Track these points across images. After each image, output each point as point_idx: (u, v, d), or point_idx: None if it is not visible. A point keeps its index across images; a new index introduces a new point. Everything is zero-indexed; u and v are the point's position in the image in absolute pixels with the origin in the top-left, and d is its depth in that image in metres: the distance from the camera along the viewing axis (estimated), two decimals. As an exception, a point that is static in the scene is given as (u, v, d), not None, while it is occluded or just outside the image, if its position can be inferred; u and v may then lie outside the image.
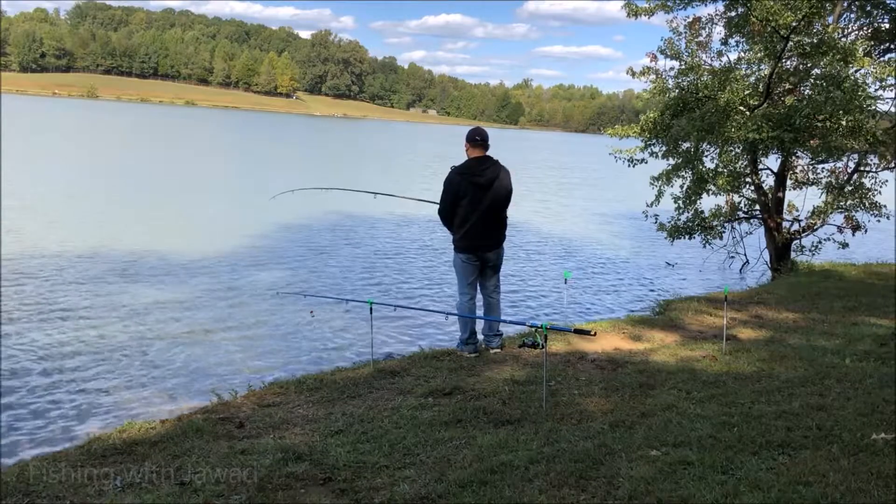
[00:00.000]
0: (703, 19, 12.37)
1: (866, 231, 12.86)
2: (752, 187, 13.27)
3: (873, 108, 11.98)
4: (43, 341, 7.76)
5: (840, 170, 13.22)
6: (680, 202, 12.80)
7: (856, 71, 11.42)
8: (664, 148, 12.61)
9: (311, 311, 9.30)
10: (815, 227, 13.08)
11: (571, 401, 4.91)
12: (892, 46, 13.02)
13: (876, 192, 12.88)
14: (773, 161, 13.38)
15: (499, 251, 6.29)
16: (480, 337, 6.35)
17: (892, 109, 12.96)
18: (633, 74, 12.93)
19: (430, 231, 16.88)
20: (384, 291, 11.25)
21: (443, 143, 70.98)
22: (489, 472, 3.62)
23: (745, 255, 14.55)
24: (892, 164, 13.00)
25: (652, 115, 12.57)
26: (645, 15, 12.72)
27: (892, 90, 12.50)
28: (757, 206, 13.42)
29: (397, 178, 31.11)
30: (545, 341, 5.06)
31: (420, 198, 8.59)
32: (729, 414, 4.53)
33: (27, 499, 3.35)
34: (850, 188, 12.83)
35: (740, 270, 14.56)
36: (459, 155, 6.48)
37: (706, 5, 14.62)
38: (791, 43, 11.11)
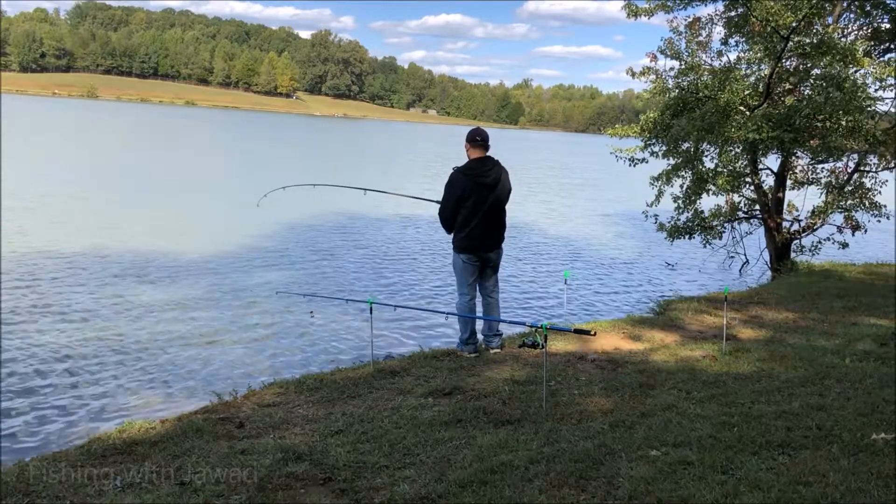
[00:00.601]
0: (703, 19, 12.39)
1: (866, 231, 12.86)
2: (752, 187, 13.28)
3: (873, 108, 11.99)
4: (43, 341, 7.77)
5: (840, 170, 13.23)
6: (680, 202, 12.81)
7: (856, 71, 11.43)
8: (664, 148, 12.62)
9: (311, 312, 9.30)
10: (815, 227, 13.08)
11: (571, 401, 4.90)
12: (892, 46, 13.03)
13: (876, 192, 12.89)
14: (773, 161, 13.39)
15: (499, 251, 6.30)
16: (480, 337, 6.35)
17: (892, 109, 12.97)
18: (633, 74, 12.94)
19: (431, 231, 16.88)
20: (384, 291, 11.25)
21: (444, 143, 71.00)
22: (489, 472, 3.62)
23: (745, 255, 14.55)
24: (892, 164, 13.01)
25: (652, 115, 12.58)
26: (645, 15, 12.72)
27: (892, 90, 12.52)
28: (757, 206, 13.42)
29: (398, 178, 31.11)
30: (545, 341, 5.05)
31: (410, 194, 8.48)
32: (729, 414, 4.52)
33: (27, 499, 3.35)
34: (850, 188, 12.84)
35: (740, 270, 14.56)
36: (460, 155, 6.48)
37: (706, 5, 14.65)
38: (791, 43, 11.11)
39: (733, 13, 12.18)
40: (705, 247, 13.54)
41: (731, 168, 12.44)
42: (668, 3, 12.53)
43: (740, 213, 13.66)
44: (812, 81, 11.90)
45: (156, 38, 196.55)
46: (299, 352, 8.05)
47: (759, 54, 11.85)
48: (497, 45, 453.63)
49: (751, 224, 14.05)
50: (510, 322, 7.10)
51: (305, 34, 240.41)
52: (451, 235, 6.22)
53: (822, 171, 13.27)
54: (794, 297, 9.69)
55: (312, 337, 8.56)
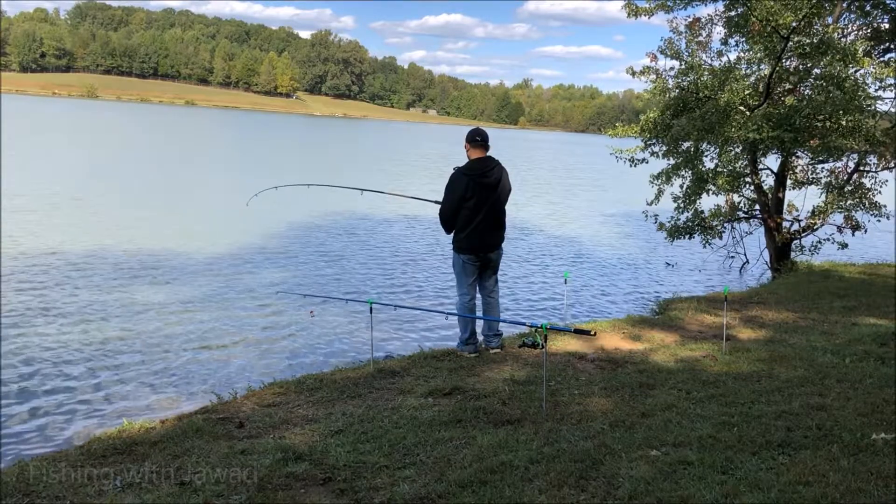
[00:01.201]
0: (703, 19, 12.41)
1: (866, 231, 12.87)
2: (752, 187, 13.28)
3: (873, 108, 12.00)
4: (43, 341, 7.76)
5: (840, 170, 13.23)
6: (680, 202, 12.81)
7: (856, 71, 11.43)
8: (664, 148, 12.63)
9: (311, 312, 9.30)
10: (815, 227, 13.09)
11: (571, 401, 4.90)
12: (892, 46, 13.04)
13: (876, 192, 12.89)
14: (773, 161, 13.39)
15: (499, 252, 6.30)
16: (480, 337, 6.35)
17: (892, 109, 12.98)
18: (634, 74, 12.95)
19: (431, 231, 16.88)
20: (384, 291, 11.25)
21: (444, 143, 70.99)
22: (489, 472, 3.62)
23: (744, 255, 14.55)
24: (892, 164, 13.02)
25: (652, 114, 12.59)
26: (645, 15, 12.74)
27: (892, 90, 12.52)
28: (757, 206, 13.43)
29: (398, 178, 31.11)
30: (545, 341, 5.05)
31: (409, 195, 8.48)
32: (729, 414, 4.53)
33: (27, 499, 3.35)
34: (849, 188, 12.84)
35: (740, 270, 14.56)
36: (460, 155, 6.48)
37: (706, 5, 14.68)
38: (791, 43, 11.11)
39: (733, 13, 12.18)
40: (705, 247, 13.54)
41: (731, 168, 12.45)
42: (669, 3, 12.55)
43: (740, 213, 13.67)
44: (812, 81, 11.90)
45: (156, 38, 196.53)
46: (299, 352, 8.04)
47: (759, 54, 11.86)
48: (497, 45, 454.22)
49: (751, 224, 14.06)
50: (510, 322, 7.10)
51: (305, 34, 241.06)
52: (451, 236, 6.22)
53: (822, 171, 13.28)
54: (793, 297, 9.69)
55: (312, 337, 8.55)
